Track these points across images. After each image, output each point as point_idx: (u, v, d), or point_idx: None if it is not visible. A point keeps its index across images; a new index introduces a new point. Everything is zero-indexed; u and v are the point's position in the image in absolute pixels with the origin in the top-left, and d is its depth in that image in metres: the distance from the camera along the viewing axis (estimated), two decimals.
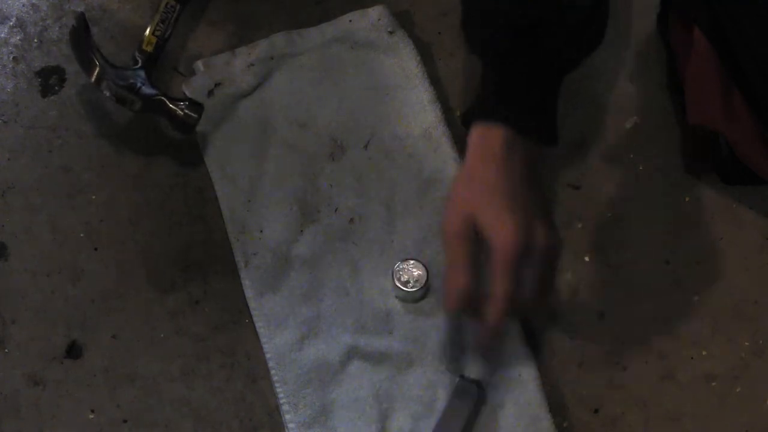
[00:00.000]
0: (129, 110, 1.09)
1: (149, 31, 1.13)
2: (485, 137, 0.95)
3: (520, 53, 0.96)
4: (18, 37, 1.18)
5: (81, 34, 1.08)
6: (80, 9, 1.19)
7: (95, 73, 1.07)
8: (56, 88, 1.17)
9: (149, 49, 1.12)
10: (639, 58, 1.18)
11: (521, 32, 0.95)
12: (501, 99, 0.97)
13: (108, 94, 1.08)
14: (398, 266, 1.08)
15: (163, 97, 1.10)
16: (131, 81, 1.09)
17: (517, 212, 0.93)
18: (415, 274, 1.07)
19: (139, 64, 1.11)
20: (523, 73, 0.96)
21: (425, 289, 1.08)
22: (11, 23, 1.19)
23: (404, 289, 1.07)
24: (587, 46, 1.01)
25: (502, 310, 0.95)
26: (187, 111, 1.09)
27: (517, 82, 0.96)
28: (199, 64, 1.17)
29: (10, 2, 1.20)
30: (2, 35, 1.18)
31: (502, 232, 0.92)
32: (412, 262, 1.08)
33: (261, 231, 1.11)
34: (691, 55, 1.04)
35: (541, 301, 0.99)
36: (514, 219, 0.92)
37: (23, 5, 1.20)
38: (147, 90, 1.09)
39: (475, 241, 0.95)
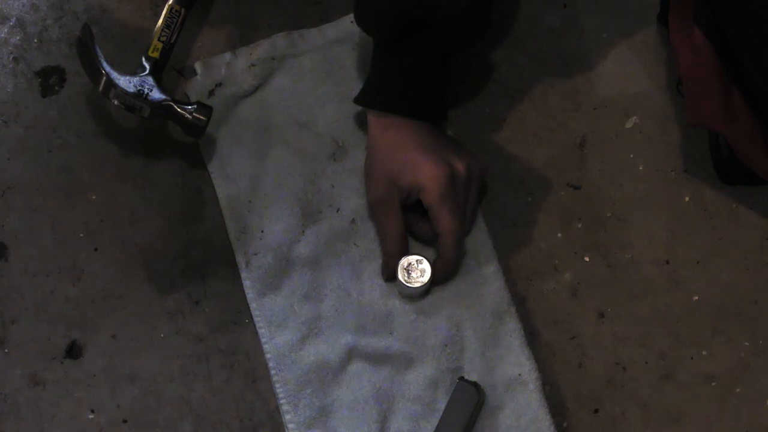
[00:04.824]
0: (138, 117, 1.09)
1: (155, 37, 1.12)
2: (379, 115, 1.07)
3: (402, 44, 1.05)
4: (18, 37, 1.18)
5: (87, 45, 1.08)
6: (80, 9, 1.19)
7: (102, 83, 1.07)
8: (56, 88, 1.16)
9: (156, 55, 1.12)
10: (639, 58, 1.18)
11: (402, 25, 1.03)
12: (383, 88, 1.07)
13: (116, 102, 1.08)
14: (402, 262, 1.07)
15: (171, 102, 1.09)
16: (139, 88, 1.09)
17: (431, 153, 1.05)
18: (420, 268, 1.07)
19: (147, 71, 1.11)
20: (403, 63, 1.05)
21: (429, 284, 1.07)
22: (11, 23, 1.19)
23: (410, 285, 1.07)
24: (468, 38, 1.07)
25: (455, 243, 1.06)
26: (195, 114, 1.09)
27: (399, 71, 1.06)
28: (200, 65, 1.16)
29: (10, 2, 1.19)
30: (2, 35, 1.18)
31: (425, 172, 1.04)
32: (416, 257, 1.07)
33: (262, 231, 1.11)
34: (691, 55, 1.04)
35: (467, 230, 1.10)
36: (431, 159, 1.04)
37: (23, 5, 1.19)
38: (155, 96, 1.09)
39: (400, 209, 1.07)
